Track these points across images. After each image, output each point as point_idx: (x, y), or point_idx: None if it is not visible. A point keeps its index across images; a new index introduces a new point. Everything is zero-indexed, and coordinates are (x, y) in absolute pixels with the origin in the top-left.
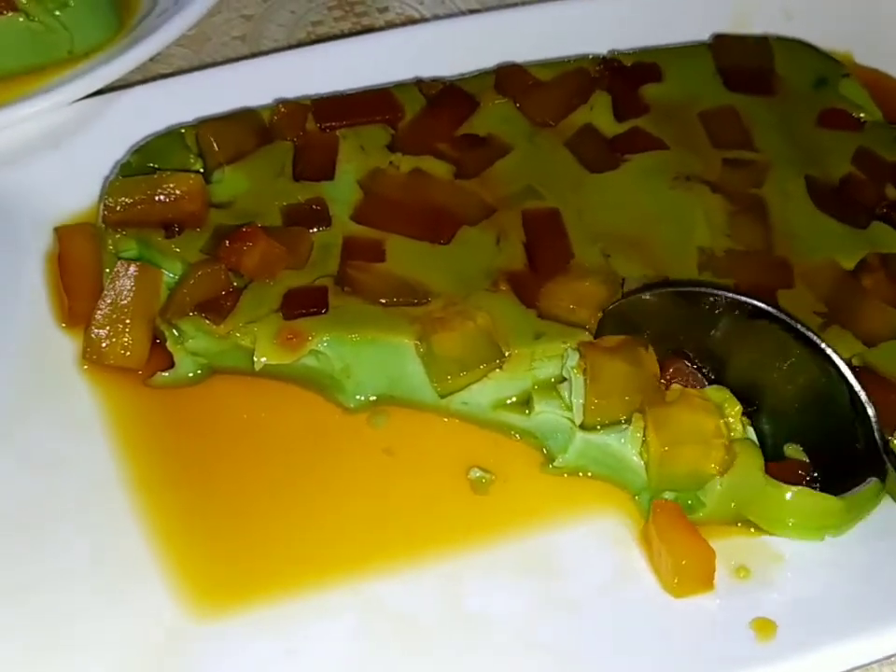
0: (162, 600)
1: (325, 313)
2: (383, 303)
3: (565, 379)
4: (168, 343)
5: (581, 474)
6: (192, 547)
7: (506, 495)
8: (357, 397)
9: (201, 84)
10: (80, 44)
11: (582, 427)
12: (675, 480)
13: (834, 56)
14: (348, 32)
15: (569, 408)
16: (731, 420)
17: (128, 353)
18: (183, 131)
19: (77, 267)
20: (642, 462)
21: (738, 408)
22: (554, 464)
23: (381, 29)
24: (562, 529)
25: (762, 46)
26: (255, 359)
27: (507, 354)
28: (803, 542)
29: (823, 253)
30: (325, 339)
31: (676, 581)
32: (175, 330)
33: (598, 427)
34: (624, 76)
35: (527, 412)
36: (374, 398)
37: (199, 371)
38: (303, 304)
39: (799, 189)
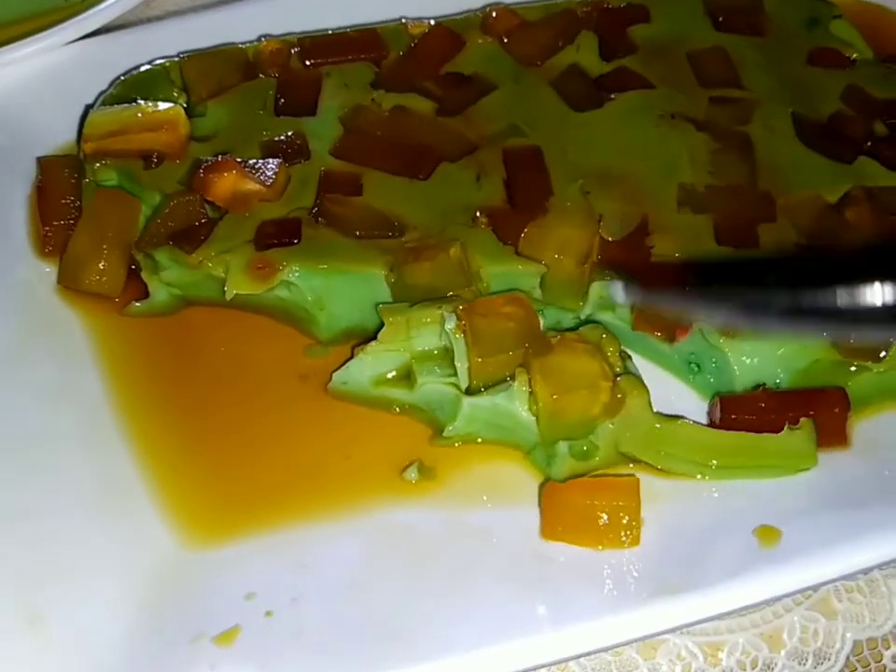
0: (161, 528)
1: (297, 243)
2: (357, 235)
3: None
4: (143, 273)
5: (474, 441)
6: (189, 477)
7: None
8: (330, 329)
9: (192, 26)
10: None
11: (468, 391)
12: (566, 428)
13: None
14: None
15: (452, 375)
16: (611, 358)
17: (103, 279)
18: (167, 64)
19: (54, 196)
20: (532, 417)
21: (616, 345)
22: (444, 434)
23: None
24: None
25: None
26: (226, 289)
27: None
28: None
29: (807, 187)
30: (295, 269)
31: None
32: (149, 260)
33: (484, 388)
34: (612, 16)
35: (410, 385)
36: (347, 330)
37: (173, 302)
38: (275, 235)
39: (786, 125)
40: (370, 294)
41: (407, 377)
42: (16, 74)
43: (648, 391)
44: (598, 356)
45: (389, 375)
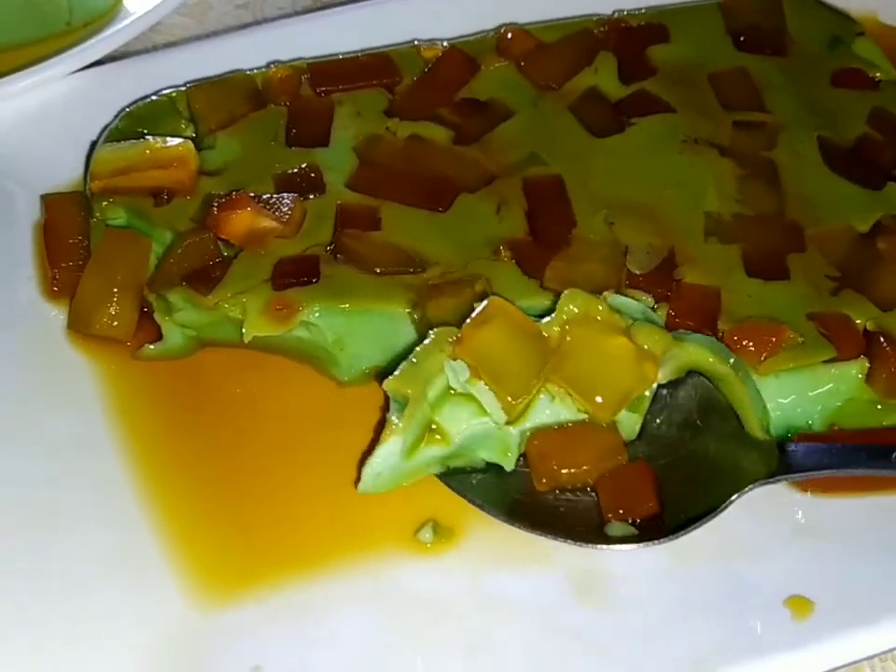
0: (170, 588)
1: (316, 282)
2: (377, 272)
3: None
4: (156, 315)
5: None
6: (197, 533)
7: None
8: (352, 370)
9: (200, 54)
10: (79, 14)
11: (508, 423)
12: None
13: (859, 16)
14: None
15: (483, 412)
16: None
17: (115, 323)
18: (174, 95)
19: (61, 235)
20: (585, 414)
21: (603, 301)
22: (507, 469)
23: None
24: None
25: (773, 5)
26: (244, 332)
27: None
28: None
29: (837, 216)
30: (316, 309)
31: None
32: (162, 302)
33: (523, 414)
34: (631, 36)
35: (444, 440)
36: (369, 370)
37: (188, 344)
38: (293, 274)
39: (812, 150)
40: (393, 333)
41: (431, 430)
42: (17, 107)
43: (655, 322)
44: (613, 332)
45: (417, 445)
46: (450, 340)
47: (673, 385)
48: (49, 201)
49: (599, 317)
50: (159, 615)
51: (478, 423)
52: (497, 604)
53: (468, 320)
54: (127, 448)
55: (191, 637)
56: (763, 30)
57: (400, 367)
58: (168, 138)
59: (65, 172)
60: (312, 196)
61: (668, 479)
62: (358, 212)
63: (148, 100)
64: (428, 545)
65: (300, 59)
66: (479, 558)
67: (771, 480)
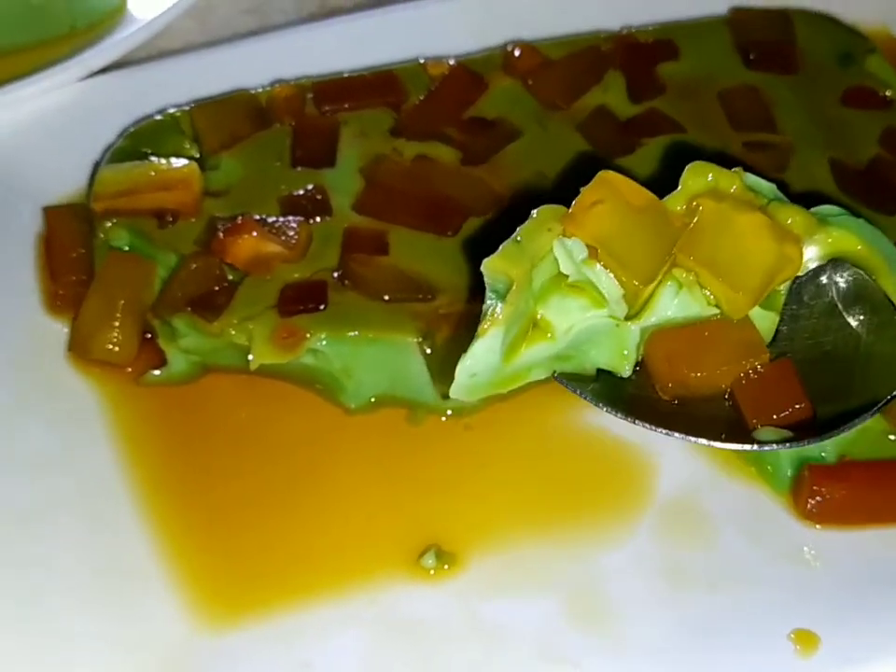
0: (170, 611)
1: (323, 309)
2: (385, 299)
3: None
4: (160, 341)
5: None
6: (200, 555)
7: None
8: (359, 397)
9: (203, 63)
10: (82, 18)
11: (628, 317)
12: None
13: (869, 29)
14: (362, 3)
15: (598, 304)
16: (742, 194)
17: (116, 348)
18: (178, 114)
19: (64, 248)
20: (716, 309)
21: (737, 177)
22: (623, 374)
23: (390, 3)
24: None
25: (782, 20)
26: (250, 360)
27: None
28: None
29: None
30: (323, 337)
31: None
32: (166, 327)
33: (646, 307)
34: (639, 53)
35: (550, 335)
36: (375, 398)
37: (192, 370)
38: (300, 300)
39: (824, 172)
40: (401, 361)
41: (535, 327)
42: (18, 116)
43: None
44: (747, 209)
45: (518, 337)
46: (558, 218)
47: (813, 270)
48: (50, 212)
49: (732, 191)
50: (159, 638)
51: (591, 316)
52: (497, 632)
53: (575, 200)
54: (129, 470)
55: (191, 660)
56: (772, 45)
57: (502, 246)
58: (172, 159)
59: (69, 182)
60: (319, 219)
61: (811, 376)
62: (366, 236)
63: (152, 119)
64: (431, 571)
65: (306, 68)
66: (481, 585)
67: None
